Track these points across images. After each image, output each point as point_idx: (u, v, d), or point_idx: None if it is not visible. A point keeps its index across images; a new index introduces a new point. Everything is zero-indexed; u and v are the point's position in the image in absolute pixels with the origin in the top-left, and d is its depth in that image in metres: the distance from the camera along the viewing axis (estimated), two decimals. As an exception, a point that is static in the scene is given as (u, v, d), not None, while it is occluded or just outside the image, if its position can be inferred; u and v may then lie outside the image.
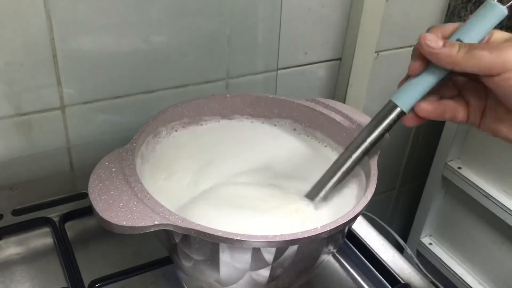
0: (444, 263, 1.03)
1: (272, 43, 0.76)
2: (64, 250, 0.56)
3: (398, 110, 0.46)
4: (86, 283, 0.52)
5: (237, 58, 0.74)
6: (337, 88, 0.86)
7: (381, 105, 1.02)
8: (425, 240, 1.08)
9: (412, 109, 0.45)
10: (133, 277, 0.53)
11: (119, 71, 0.67)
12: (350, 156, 0.49)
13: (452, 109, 0.44)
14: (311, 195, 0.51)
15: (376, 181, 0.49)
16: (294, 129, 0.61)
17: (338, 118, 0.58)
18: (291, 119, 0.61)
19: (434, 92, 0.45)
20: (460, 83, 0.45)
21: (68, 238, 0.57)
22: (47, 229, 0.60)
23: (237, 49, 0.73)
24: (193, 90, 0.73)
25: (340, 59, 0.84)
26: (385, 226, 0.95)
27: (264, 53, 0.76)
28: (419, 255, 1.09)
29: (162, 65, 0.69)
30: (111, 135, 0.70)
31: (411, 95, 0.45)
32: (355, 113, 0.58)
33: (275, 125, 0.61)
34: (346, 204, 0.50)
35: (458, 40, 0.41)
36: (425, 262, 1.07)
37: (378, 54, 0.87)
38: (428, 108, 0.44)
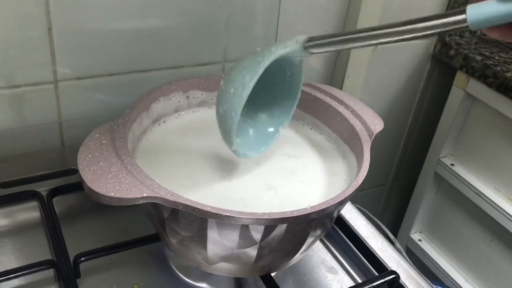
0: (433, 260, 1.03)
1: (270, 28, 0.75)
2: (51, 224, 0.55)
3: (464, 24, 0.38)
4: (71, 257, 0.51)
5: (235, 42, 0.73)
6: (334, 78, 0.86)
7: (377, 97, 1.02)
8: (415, 236, 1.09)
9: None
10: (119, 253, 0.52)
11: (115, 48, 0.66)
12: (386, 27, 0.41)
13: None
14: (311, 39, 0.46)
15: (368, 166, 0.48)
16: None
17: (333, 103, 0.58)
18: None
19: None
20: None
21: (56, 212, 0.57)
22: (34, 203, 0.59)
23: (234, 33, 0.73)
24: (189, 72, 0.72)
25: (338, 49, 0.83)
26: (376, 220, 0.96)
27: (262, 38, 0.76)
28: (408, 251, 1.09)
29: (159, 45, 0.69)
30: (104, 113, 0.69)
31: (487, 20, 0.37)
32: (350, 99, 0.58)
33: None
34: (337, 190, 0.49)
35: None
36: (414, 258, 1.07)
37: (376, 46, 0.87)
38: (497, 35, 0.38)
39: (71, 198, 0.61)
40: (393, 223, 1.17)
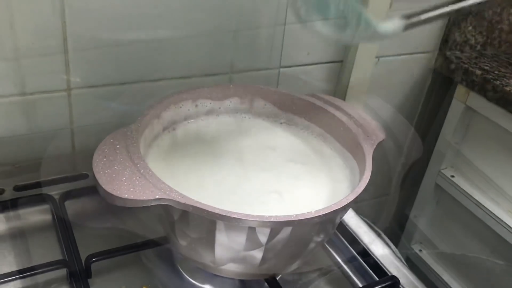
0: (433, 270, 1.04)
1: (276, 41, 0.78)
2: (63, 226, 0.57)
3: None
4: (83, 258, 0.53)
5: (241, 54, 0.76)
6: (337, 90, 0.88)
7: (380, 108, 1.03)
8: (415, 247, 1.10)
9: None
10: (129, 255, 0.54)
11: (127, 58, 0.68)
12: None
13: None
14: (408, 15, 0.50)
15: (369, 174, 0.50)
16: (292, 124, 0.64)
17: (337, 114, 0.60)
18: (291, 112, 0.63)
19: None
20: None
21: (68, 215, 0.59)
22: (46, 206, 0.61)
23: (241, 45, 0.75)
24: (196, 82, 0.74)
25: (341, 61, 0.86)
26: (377, 229, 0.97)
27: (268, 50, 0.78)
28: (408, 261, 1.10)
29: (169, 55, 0.71)
30: (115, 120, 0.70)
31: None
32: (353, 110, 0.60)
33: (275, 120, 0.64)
34: (340, 196, 0.51)
35: None
36: (415, 269, 1.08)
37: (378, 60, 0.89)
38: None
39: (82, 202, 0.62)
40: (394, 234, 1.19)
